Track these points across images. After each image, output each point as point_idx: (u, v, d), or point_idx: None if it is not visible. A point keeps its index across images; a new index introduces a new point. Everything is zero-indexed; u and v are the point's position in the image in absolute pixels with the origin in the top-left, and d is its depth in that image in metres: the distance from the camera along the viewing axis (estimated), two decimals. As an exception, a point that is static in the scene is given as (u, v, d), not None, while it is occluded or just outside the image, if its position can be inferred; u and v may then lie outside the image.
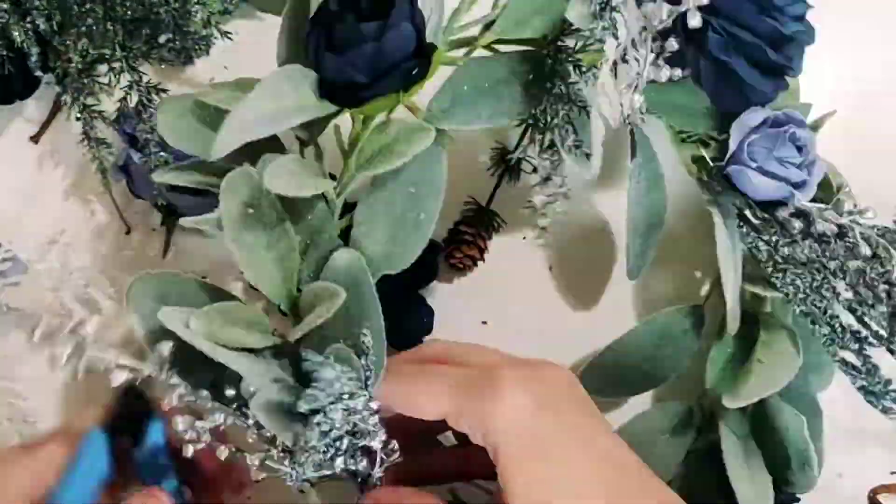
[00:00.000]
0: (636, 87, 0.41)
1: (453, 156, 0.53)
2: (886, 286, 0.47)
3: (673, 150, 0.51)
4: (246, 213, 0.41)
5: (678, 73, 0.44)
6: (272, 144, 0.43)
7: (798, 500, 0.51)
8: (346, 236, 0.45)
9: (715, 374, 0.50)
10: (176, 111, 0.44)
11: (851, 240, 0.48)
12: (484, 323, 0.56)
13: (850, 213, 0.49)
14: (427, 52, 0.37)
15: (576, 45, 0.41)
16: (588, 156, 0.39)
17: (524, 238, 0.57)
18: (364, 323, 0.41)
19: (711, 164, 0.50)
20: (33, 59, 0.49)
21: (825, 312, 0.47)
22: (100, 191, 0.54)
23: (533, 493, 0.34)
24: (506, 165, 0.56)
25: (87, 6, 0.47)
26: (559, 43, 0.43)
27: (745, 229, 0.50)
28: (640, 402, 0.54)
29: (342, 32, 0.37)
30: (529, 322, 0.55)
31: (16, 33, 0.48)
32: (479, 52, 0.45)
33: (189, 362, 0.40)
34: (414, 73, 0.37)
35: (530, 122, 0.41)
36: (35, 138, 0.57)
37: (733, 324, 0.49)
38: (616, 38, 0.41)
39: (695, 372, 0.52)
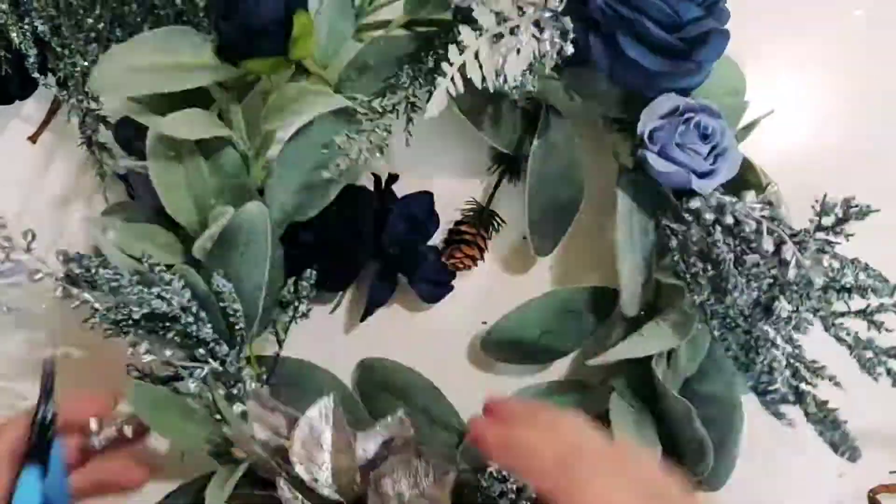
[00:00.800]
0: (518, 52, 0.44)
1: (453, 156, 0.57)
2: (770, 280, 0.46)
3: (597, 138, 0.53)
4: (168, 157, 0.48)
5: (570, 49, 0.46)
6: (201, 102, 0.49)
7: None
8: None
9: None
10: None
11: (755, 232, 0.48)
12: (484, 323, 0.56)
13: (763, 207, 0.48)
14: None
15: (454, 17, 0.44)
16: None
17: (524, 238, 0.56)
18: (249, 272, 0.47)
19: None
20: (31, 60, 0.51)
21: (721, 303, 0.47)
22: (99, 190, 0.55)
23: None
24: (506, 165, 0.56)
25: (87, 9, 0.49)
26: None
27: (658, 217, 0.50)
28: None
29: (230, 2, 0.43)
30: None
31: (14, 35, 0.49)
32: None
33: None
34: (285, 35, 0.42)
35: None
36: (33, 138, 0.57)
37: (629, 307, 0.50)
38: (496, 12, 0.45)
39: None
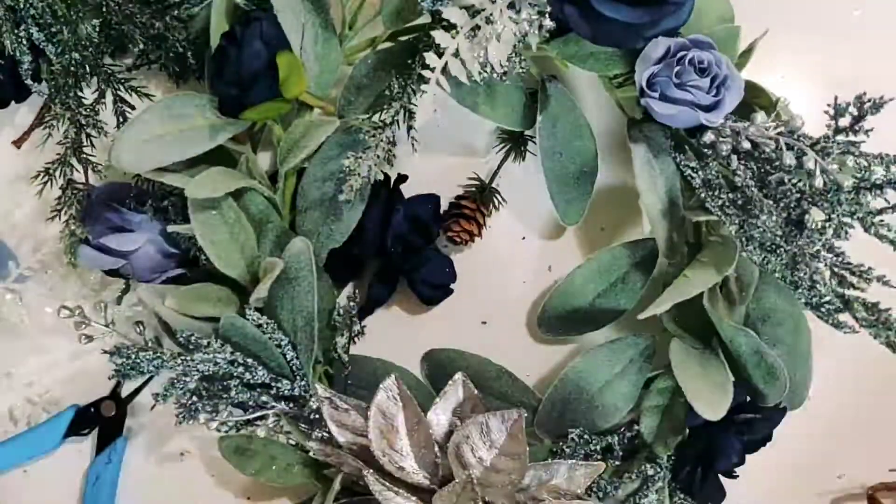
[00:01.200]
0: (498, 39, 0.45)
1: (458, 133, 0.57)
2: (798, 195, 0.46)
3: (607, 96, 0.54)
4: (210, 216, 0.51)
5: (549, 23, 0.47)
6: (224, 159, 0.52)
7: (784, 409, 0.51)
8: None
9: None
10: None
11: (775, 151, 0.48)
12: (484, 323, 0.58)
13: (777, 125, 0.48)
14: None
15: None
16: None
17: (524, 238, 0.58)
18: (300, 304, 0.50)
19: (640, 102, 0.52)
20: (24, 66, 0.50)
21: (752, 228, 0.47)
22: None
23: None
24: (511, 144, 0.57)
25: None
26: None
27: (677, 159, 0.51)
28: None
29: (220, 59, 0.46)
30: (529, 322, 0.57)
31: (7, 42, 0.49)
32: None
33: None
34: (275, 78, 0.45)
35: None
36: (17, 143, 0.57)
37: (668, 252, 0.50)
38: (466, 7, 0.46)
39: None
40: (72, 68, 0.51)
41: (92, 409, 0.57)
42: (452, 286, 0.56)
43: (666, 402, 0.51)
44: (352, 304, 0.52)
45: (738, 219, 0.48)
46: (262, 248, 0.52)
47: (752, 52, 0.51)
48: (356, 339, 0.53)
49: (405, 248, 0.54)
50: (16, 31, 0.50)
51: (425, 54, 0.45)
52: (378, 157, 0.44)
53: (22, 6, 0.49)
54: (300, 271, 0.49)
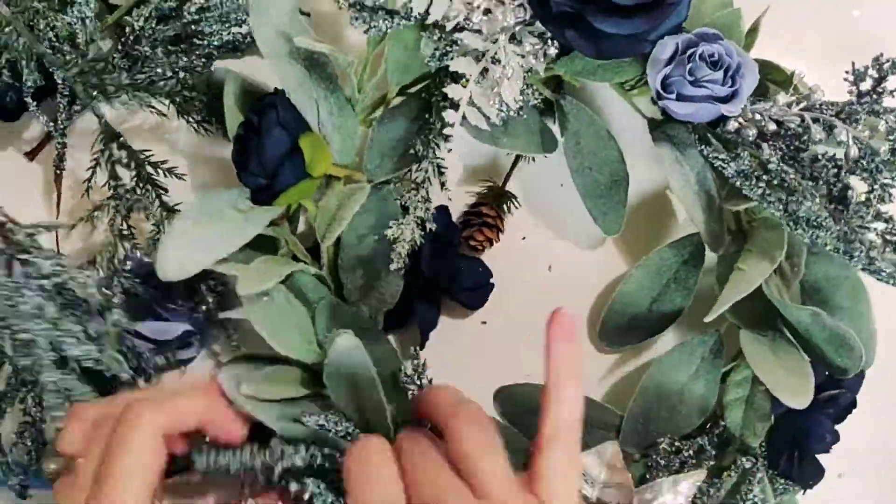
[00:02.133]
0: (509, 77, 0.45)
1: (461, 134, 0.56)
2: (836, 170, 0.46)
3: (625, 103, 0.54)
4: (262, 303, 0.51)
5: (553, 51, 0.48)
6: (265, 241, 0.52)
7: (862, 373, 0.51)
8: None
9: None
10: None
11: (802, 126, 0.48)
12: (484, 323, 0.58)
13: (799, 99, 0.48)
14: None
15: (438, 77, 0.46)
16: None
17: (524, 238, 0.59)
18: (363, 397, 0.48)
19: (657, 102, 0.52)
20: (28, 84, 0.50)
21: (797, 207, 0.47)
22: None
23: None
24: None
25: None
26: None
27: (705, 151, 0.51)
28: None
29: (242, 151, 0.47)
30: (529, 322, 0.55)
31: (15, 58, 0.49)
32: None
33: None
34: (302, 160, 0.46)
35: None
36: (30, 155, 0.56)
37: (714, 245, 0.50)
38: (469, 55, 0.46)
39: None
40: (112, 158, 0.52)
41: None
42: (492, 280, 0.55)
43: (747, 393, 0.51)
44: (416, 361, 0.52)
45: (781, 203, 0.48)
46: (317, 327, 0.52)
47: (757, 31, 0.51)
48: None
49: (436, 265, 0.53)
50: (30, 52, 0.49)
51: (443, 113, 0.45)
52: (418, 218, 0.45)
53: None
54: (356, 368, 0.47)
